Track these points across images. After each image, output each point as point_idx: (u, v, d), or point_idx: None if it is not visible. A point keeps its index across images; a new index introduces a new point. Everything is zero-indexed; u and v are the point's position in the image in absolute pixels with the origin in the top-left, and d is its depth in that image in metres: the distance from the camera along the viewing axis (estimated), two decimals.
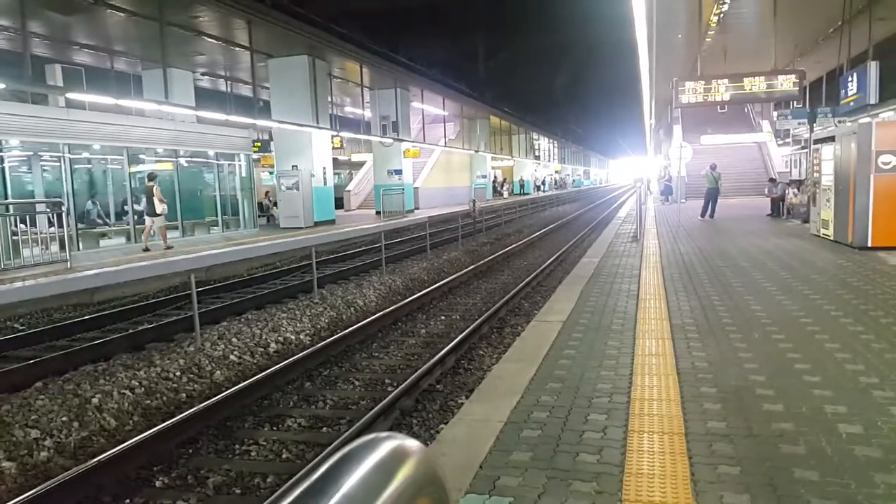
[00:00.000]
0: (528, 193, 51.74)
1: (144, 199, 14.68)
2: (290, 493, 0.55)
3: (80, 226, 14.87)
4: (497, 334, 8.97)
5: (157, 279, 11.81)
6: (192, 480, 4.86)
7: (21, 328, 9.26)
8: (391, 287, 12.54)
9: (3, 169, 13.84)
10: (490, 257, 15.96)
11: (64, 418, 5.81)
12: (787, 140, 33.38)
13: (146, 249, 14.03)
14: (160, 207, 14.13)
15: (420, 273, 14.14)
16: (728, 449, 3.19)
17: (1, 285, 9.56)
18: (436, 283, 12.52)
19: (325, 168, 21.65)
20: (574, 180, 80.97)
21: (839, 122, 16.29)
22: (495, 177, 49.20)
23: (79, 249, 13.90)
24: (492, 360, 7.57)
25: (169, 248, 14.20)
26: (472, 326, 8.69)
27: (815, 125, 17.27)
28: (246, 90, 25.50)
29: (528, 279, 12.56)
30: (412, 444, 0.65)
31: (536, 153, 62.92)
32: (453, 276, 13.01)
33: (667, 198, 28.98)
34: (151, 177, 14.56)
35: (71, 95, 13.94)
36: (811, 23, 18.74)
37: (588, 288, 7.95)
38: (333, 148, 22.95)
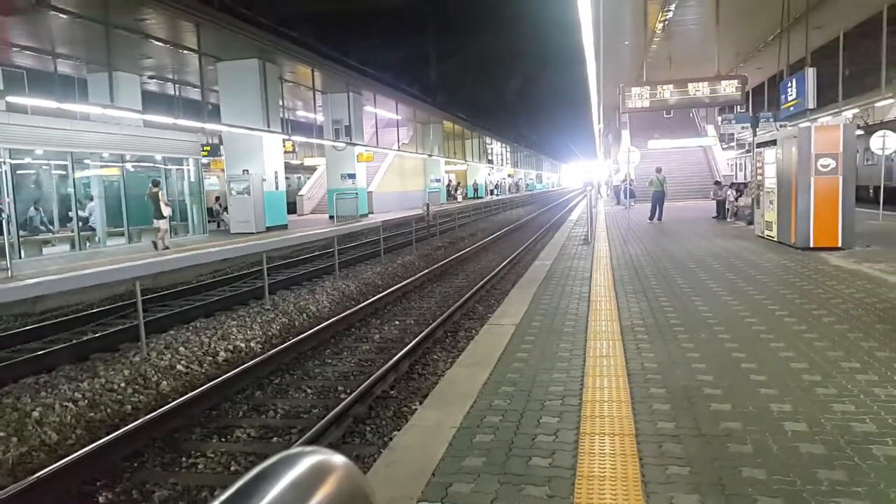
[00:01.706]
0: (481, 197, 51.98)
1: (152, 205, 15.36)
2: None
3: (21, 233, 14.32)
4: (451, 338, 8.96)
5: (103, 287, 11.43)
6: (137, 495, 4.70)
7: None
8: (345, 292, 12.42)
9: None
10: (444, 261, 15.96)
11: (1, 434, 5.58)
12: (732, 144, 34.38)
13: (166, 248, 14.87)
14: (166, 211, 15.33)
15: (374, 277, 14.05)
16: (677, 449, 3.23)
17: None
18: (390, 287, 12.45)
19: (276, 172, 21.32)
20: (528, 184, 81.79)
21: (780, 126, 16.81)
22: (449, 181, 49.29)
23: (20, 258, 13.37)
24: (446, 364, 7.54)
25: (166, 248, 14.90)
26: (426, 331, 8.65)
27: (757, 129, 17.78)
28: (195, 93, 24.95)
29: (482, 282, 12.59)
30: (336, 459, 0.60)
31: (490, 157, 63.30)
32: (408, 281, 12.97)
33: (618, 200, 29.43)
34: (156, 183, 15.67)
35: (11, 99, 13.49)
36: (752, 30, 19.36)
37: (541, 290, 8.00)
38: (285, 152, 22.63)
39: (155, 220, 15.34)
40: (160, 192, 15.34)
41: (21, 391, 6.63)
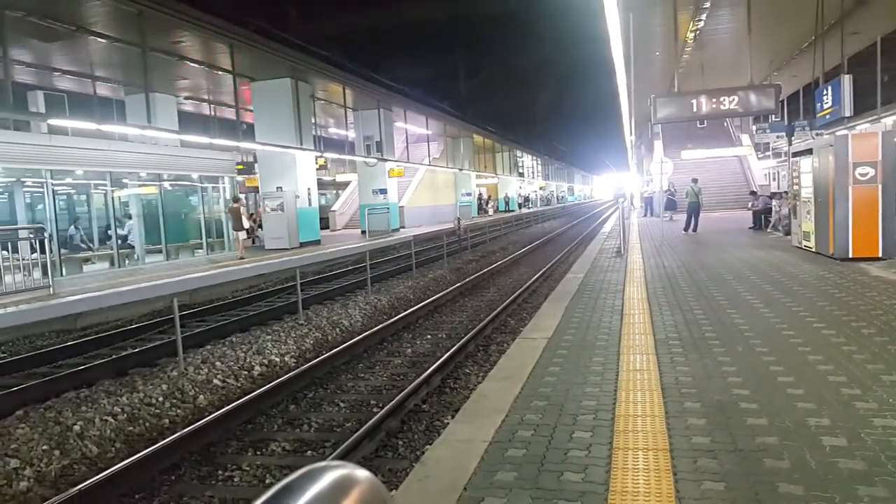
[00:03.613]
0: (512, 210, 51.91)
1: (231, 218, 17.63)
2: None
3: (63, 251, 14.71)
4: (483, 352, 8.95)
5: (141, 303, 11.69)
6: None
7: (2, 355, 9.13)
8: (377, 306, 12.49)
9: None
10: (476, 275, 15.96)
11: (45, 447, 5.73)
12: (767, 153, 33.80)
13: (242, 257, 16.83)
14: (247, 223, 17.65)
15: (406, 292, 14.10)
16: (713, 464, 3.18)
17: None
18: (421, 301, 12.49)
19: (309, 189, 21.62)
20: (560, 196, 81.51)
21: (816, 134, 16.49)
22: (480, 194, 49.35)
23: (62, 275, 13.74)
24: (477, 378, 7.53)
25: (242, 258, 16.71)
26: (457, 345, 8.66)
27: (793, 138, 17.46)
28: (230, 113, 25.48)
29: (513, 296, 12.56)
30: (360, 473, 0.63)
31: (520, 170, 63.24)
32: (439, 295, 12.99)
33: (647, 212, 29.12)
34: (236, 199, 17.97)
35: (53, 121, 13.88)
36: (785, 38, 19.06)
37: (573, 304, 7.96)
38: (318, 168, 22.95)
39: (234, 232, 17.50)
40: (241, 207, 17.28)
41: (63, 405, 6.79)
